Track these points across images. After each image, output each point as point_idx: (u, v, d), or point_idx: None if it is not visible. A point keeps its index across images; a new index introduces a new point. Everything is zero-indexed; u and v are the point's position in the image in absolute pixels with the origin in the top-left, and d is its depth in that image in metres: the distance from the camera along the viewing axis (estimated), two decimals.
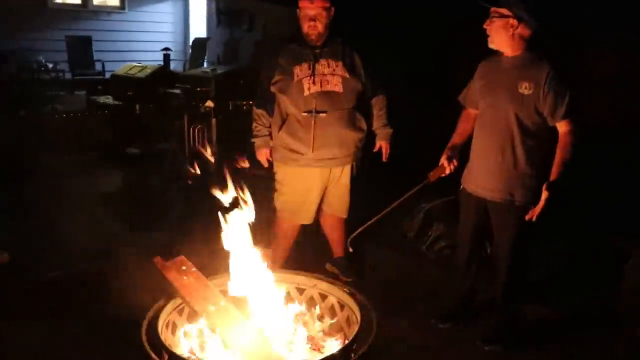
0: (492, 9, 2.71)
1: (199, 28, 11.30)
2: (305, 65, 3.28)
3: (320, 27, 3.22)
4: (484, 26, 2.78)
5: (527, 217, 2.76)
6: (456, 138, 3.06)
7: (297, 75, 3.27)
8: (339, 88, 3.28)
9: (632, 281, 3.27)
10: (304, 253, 3.84)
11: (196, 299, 2.38)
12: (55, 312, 3.22)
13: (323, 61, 3.28)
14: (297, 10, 3.28)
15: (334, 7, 3.25)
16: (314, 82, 3.26)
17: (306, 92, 3.27)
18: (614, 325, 3.23)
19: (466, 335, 3.14)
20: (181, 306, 2.45)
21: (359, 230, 3.01)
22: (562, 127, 2.72)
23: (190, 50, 10.67)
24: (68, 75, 9.23)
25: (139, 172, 5.78)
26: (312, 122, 3.28)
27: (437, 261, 4.14)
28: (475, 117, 2.99)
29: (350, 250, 3.14)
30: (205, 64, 9.65)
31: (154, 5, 11.08)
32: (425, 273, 3.99)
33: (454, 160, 2.97)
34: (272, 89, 3.38)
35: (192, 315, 2.42)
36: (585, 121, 2.75)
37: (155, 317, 2.29)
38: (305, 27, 3.24)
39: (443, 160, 2.96)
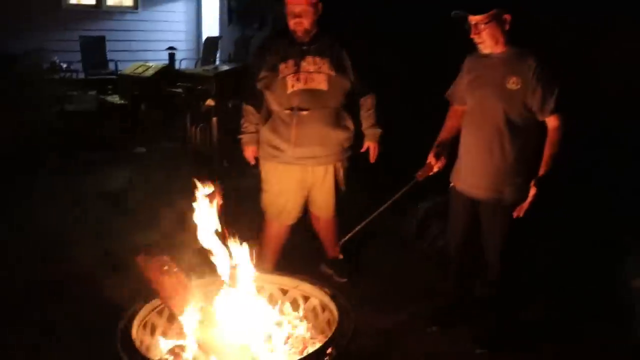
0: (480, 17, 2.61)
1: (211, 27, 11.34)
2: (290, 62, 3.24)
3: (306, 23, 3.17)
4: (472, 37, 2.69)
5: (514, 214, 2.69)
6: (443, 135, 2.99)
7: (282, 72, 3.24)
8: (323, 86, 3.23)
9: (631, 278, 3.18)
10: (299, 254, 3.79)
11: (175, 300, 2.36)
12: (45, 311, 3.23)
13: (309, 58, 3.23)
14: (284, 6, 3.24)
15: (322, 4, 3.20)
16: (297, 80, 3.22)
17: (289, 90, 3.23)
18: (610, 326, 3.17)
19: (459, 336, 3.07)
20: (161, 307, 2.44)
21: (349, 235, 2.96)
22: (551, 122, 2.64)
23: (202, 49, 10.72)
24: (81, 75, 9.31)
25: (145, 171, 5.80)
26: (293, 119, 3.24)
27: (436, 260, 4.07)
28: (463, 114, 2.92)
29: (341, 256, 3.07)
30: (217, 62, 9.68)
31: (167, 5, 11.13)
32: (423, 273, 3.91)
33: (442, 158, 2.91)
34: (259, 85, 3.35)
35: (172, 317, 2.40)
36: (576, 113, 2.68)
37: (131, 318, 2.28)
38: (292, 23, 3.20)
39: (430, 159, 2.91)
